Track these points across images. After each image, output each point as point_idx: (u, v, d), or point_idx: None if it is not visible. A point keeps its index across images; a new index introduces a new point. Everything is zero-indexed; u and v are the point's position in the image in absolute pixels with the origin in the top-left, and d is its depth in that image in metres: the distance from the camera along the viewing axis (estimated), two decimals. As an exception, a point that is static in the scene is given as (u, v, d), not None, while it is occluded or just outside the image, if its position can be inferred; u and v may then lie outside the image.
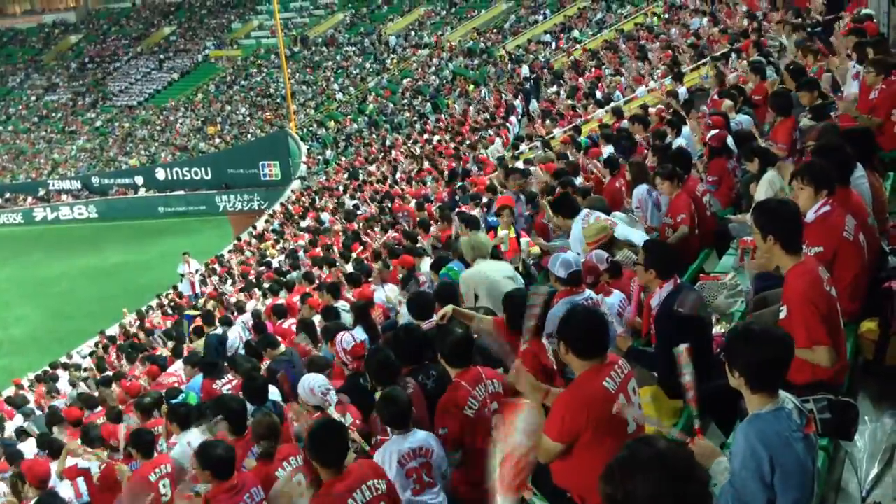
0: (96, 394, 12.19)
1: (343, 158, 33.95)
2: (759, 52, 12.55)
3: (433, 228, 12.80)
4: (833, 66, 9.33)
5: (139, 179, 39.94)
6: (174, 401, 8.07)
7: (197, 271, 22.56)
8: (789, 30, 11.84)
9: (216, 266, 23.19)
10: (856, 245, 4.67)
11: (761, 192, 6.71)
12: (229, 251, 25.54)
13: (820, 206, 4.75)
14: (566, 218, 7.70)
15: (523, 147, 18.78)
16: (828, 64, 9.61)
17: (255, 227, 27.56)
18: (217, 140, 44.20)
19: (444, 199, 16.28)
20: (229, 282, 20.48)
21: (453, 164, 19.46)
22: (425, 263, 10.17)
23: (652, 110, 13.40)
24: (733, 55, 14.39)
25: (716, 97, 11.35)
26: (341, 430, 4.53)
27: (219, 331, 11.75)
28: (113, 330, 19.96)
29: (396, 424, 4.70)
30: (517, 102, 25.93)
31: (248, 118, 45.42)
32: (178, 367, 10.83)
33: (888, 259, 4.96)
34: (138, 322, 19.31)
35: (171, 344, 14.04)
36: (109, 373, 13.92)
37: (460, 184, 16.52)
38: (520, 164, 15.64)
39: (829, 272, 4.20)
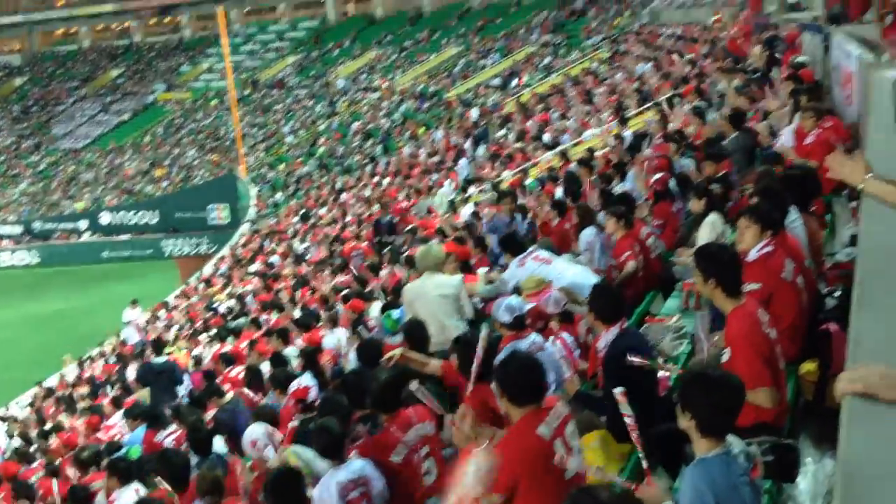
0: (34, 447, 11.79)
1: (293, 201, 33.80)
2: (701, 97, 12.84)
3: (383, 272, 12.76)
4: (773, 111, 9.60)
5: (83, 224, 39.11)
6: (115, 454, 7.84)
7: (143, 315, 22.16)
8: (728, 76, 12.18)
9: (163, 311, 22.79)
10: (794, 287, 4.77)
11: (704, 234, 6.83)
12: (176, 297, 25.13)
13: (763, 245, 4.86)
14: (513, 255, 7.76)
15: (472, 190, 18.89)
16: (766, 108, 9.88)
17: (202, 272, 27.17)
18: (165, 183, 43.72)
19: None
20: (175, 328, 20.10)
21: (378, 215, 18.92)
22: (375, 308, 10.11)
23: (598, 154, 13.60)
24: (676, 100, 14.71)
25: (659, 141, 11.58)
26: (299, 478, 4.45)
27: (160, 359, 11.50)
28: (53, 379, 19.40)
29: (331, 454, 4.64)
30: (467, 146, 26.13)
31: (196, 161, 45.07)
32: (119, 417, 10.55)
33: (825, 301, 5.07)
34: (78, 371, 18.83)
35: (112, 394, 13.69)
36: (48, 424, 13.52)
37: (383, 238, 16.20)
38: (469, 207, 15.74)
39: (767, 314, 4.27)
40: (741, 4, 20.62)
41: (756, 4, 18.28)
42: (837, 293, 5.08)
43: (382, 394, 4.93)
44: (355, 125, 39.93)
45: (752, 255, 4.84)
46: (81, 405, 14.29)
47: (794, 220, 5.38)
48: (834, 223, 6.60)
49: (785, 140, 8.31)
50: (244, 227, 32.67)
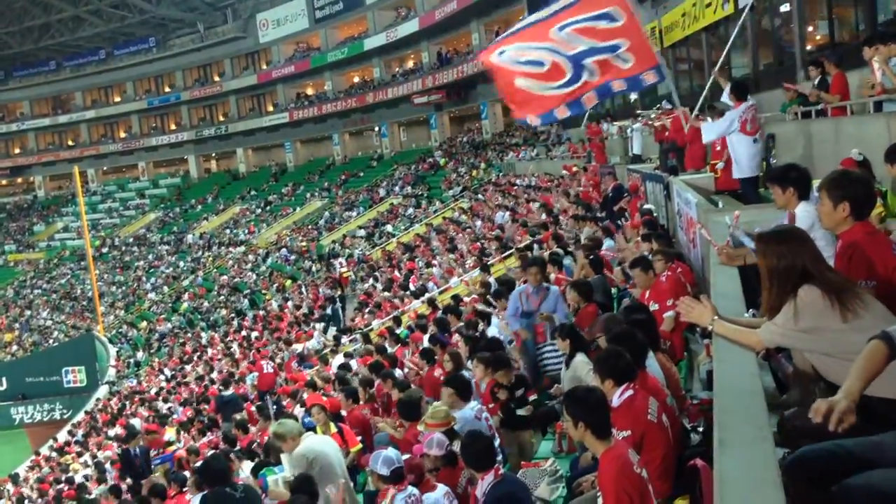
0: None
1: (156, 360, 32.62)
2: (558, 243, 13.43)
3: (252, 429, 12.35)
4: (625, 255, 10.19)
5: (-80, 395, 36.19)
6: None
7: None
8: (580, 223, 12.89)
9: (10, 486, 21.05)
10: (660, 426, 4.93)
11: (582, 372, 7.01)
12: (27, 468, 23.34)
13: (623, 390, 5.02)
14: None
15: (344, 340, 18.81)
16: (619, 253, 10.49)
17: (55, 440, 25.47)
18: (14, 347, 41.39)
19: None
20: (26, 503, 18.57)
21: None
22: (246, 467, 9.73)
23: (465, 300, 13.88)
24: (535, 247, 15.33)
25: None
26: None
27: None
28: None
29: None
30: (336, 295, 26.19)
31: (50, 322, 42.99)
32: None
33: (690, 436, 5.27)
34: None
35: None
36: None
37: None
38: (340, 358, 15.59)
39: (638, 454, 4.39)
40: (588, 157, 22.12)
41: (601, 157, 19.67)
42: (700, 428, 5.30)
43: None
44: (222, 279, 39.38)
45: (615, 401, 4.99)
46: None
47: (650, 360, 5.64)
48: (691, 360, 6.94)
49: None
50: (102, 390, 31.13)
